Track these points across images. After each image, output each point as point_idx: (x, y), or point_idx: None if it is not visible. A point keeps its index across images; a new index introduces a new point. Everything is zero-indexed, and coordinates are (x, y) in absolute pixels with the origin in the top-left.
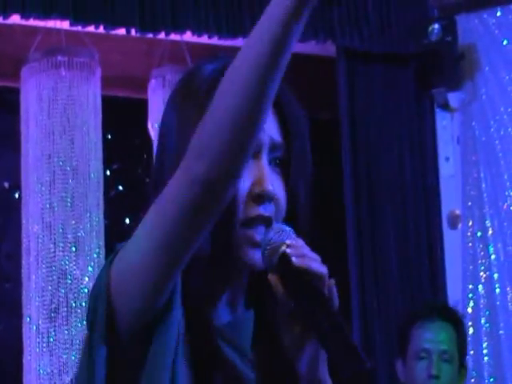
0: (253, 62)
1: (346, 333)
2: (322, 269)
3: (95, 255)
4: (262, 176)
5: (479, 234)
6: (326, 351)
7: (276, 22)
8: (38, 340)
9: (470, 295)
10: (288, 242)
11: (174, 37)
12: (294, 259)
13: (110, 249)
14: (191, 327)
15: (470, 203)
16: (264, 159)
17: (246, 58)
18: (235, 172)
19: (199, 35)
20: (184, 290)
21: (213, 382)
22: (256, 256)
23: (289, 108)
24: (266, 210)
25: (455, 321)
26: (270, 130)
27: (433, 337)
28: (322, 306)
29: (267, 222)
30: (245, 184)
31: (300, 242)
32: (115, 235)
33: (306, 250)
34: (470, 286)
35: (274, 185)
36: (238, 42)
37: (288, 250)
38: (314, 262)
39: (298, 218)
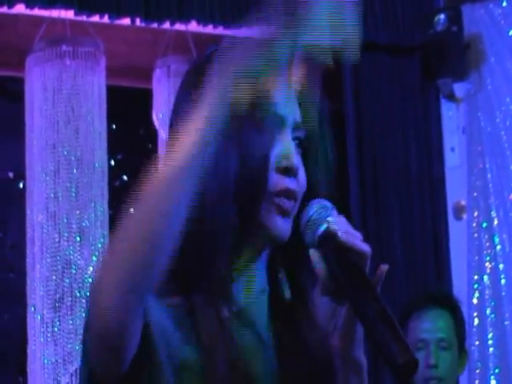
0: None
1: (391, 321)
2: (365, 247)
3: (100, 245)
4: (289, 150)
5: (485, 224)
6: (370, 337)
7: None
8: (42, 330)
9: (476, 286)
10: (331, 218)
11: (178, 26)
12: (339, 236)
13: None
14: (204, 313)
15: (475, 194)
16: (289, 135)
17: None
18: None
19: (204, 25)
20: (198, 275)
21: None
22: (285, 226)
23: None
24: (292, 184)
25: (451, 306)
26: (294, 112)
27: (429, 326)
28: (367, 290)
29: (293, 196)
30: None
31: (342, 219)
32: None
33: (349, 227)
34: (476, 277)
35: (298, 162)
36: (243, 31)
37: (332, 227)
38: (358, 240)
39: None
